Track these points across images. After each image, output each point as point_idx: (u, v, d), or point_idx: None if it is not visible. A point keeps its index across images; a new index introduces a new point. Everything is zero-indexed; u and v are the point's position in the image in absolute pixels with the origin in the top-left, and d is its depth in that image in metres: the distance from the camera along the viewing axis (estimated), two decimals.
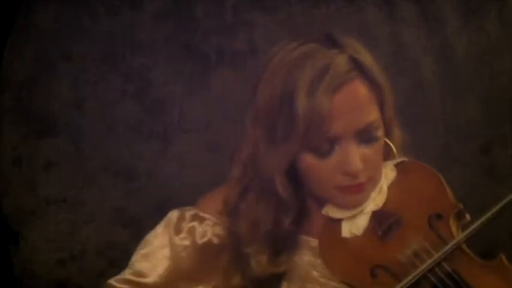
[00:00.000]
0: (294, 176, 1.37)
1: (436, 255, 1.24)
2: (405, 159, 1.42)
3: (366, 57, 1.37)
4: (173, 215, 1.50)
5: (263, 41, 2.71)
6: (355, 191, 1.34)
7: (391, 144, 1.41)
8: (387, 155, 1.42)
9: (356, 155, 1.31)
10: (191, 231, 1.46)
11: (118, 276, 1.50)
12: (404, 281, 1.23)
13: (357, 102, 1.32)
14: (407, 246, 1.28)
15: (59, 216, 2.73)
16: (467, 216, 1.35)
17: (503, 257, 1.26)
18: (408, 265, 1.26)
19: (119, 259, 2.69)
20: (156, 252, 1.47)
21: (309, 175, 1.35)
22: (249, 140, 1.39)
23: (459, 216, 1.34)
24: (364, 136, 1.33)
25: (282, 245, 1.39)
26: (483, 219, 1.28)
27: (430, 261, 1.24)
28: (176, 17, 2.72)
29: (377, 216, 1.35)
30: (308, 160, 1.33)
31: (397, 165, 1.41)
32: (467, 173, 2.71)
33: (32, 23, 2.69)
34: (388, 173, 1.40)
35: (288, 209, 1.37)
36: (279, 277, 1.39)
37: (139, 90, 2.74)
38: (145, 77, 2.74)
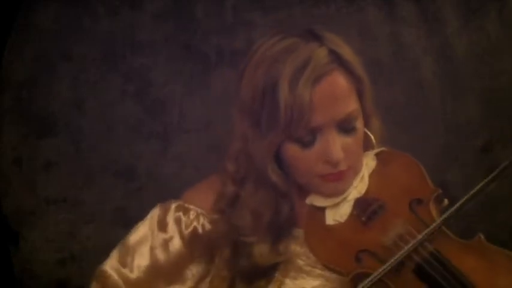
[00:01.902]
0: (281, 166, 1.42)
1: (419, 236, 1.29)
2: (385, 148, 1.47)
3: (346, 50, 1.41)
4: (155, 212, 1.53)
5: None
6: (336, 178, 1.38)
7: (371, 135, 1.45)
8: (367, 145, 1.46)
9: (337, 144, 1.36)
10: (177, 222, 1.50)
11: (108, 262, 1.52)
12: (390, 262, 1.27)
13: (336, 93, 1.36)
14: (391, 229, 1.33)
15: (59, 216, 2.73)
16: (446, 201, 1.41)
17: (481, 236, 1.32)
18: (392, 247, 1.30)
19: None
20: (139, 248, 1.50)
21: (293, 165, 1.39)
22: (237, 134, 1.44)
23: (438, 200, 1.39)
24: (345, 126, 1.37)
25: (282, 233, 1.42)
26: (461, 201, 1.36)
27: (413, 241, 1.28)
28: (176, 17, 2.72)
29: (360, 203, 1.39)
30: (291, 150, 1.38)
31: (377, 155, 1.46)
32: (467, 173, 2.71)
33: (32, 23, 2.69)
34: (369, 162, 1.45)
35: (285, 196, 1.42)
36: (274, 267, 1.42)
37: (139, 90, 2.74)
38: (145, 77, 2.74)
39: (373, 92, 1.48)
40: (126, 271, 1.48)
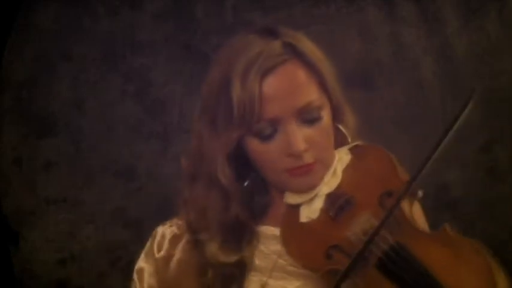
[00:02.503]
0: (245, 163, 1.40)
1: (373, 228, 1.27)
2: (359, 142, 1.44)
3: (304, 43, 1.38)
4: (157, 232, 1.52)
5: None
6: (303, 172, 1.35)
7: (344, 131, 1.43)
8: (342, 141, 1.44)
9: (298, 135, 1.33)
10: (172, 243, 1.48)
11: None
12: (352, 259, 1.26)
13: (292, 83, 1.33)
14: (357, 224, 1.31)
15: (59, 216, 2.73)
16: (420, 193, 1.36)
17: (447, 227, 1.29)
18: (357, 242, 1.29)
19: (119, 259, 2.69)
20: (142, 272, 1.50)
21: (257, 160, 1.37)
22: (194, 132, 1.44)
23: (410, 193, 1.34)
24: (306, 116, 1.34)
25: (233, 233, 1.40)
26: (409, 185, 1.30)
27: (370, 234, 1.27)
28: (176, 17, 2.72)
29: (330, 198, 1.37)
30: (253, 144, 1.35)
31: (352, 149, 1.43)
32: (467, 173, 2.71)
33: (32, 23, 2.69)
34: (343, 157, 1.42)
35: (233, 197, 1.40)
36: (241, 268, 1.41)
37: (139, 90, 2.74)
38: (145, 77, 2.74)
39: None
40: None
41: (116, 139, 2.74)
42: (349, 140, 1.44)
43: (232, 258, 1.39)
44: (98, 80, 2.73)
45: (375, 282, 1.26)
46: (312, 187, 1.38)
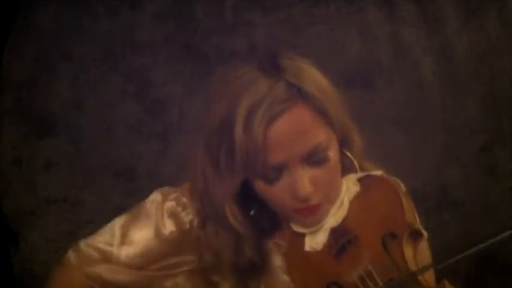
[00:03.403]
0: (253, 197, 1.38)
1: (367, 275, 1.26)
2: (369, 173, 1.42)
3: (308, 81, 1.34)
4: (158, 196, 1.53)
5: (263, 41, 2.71)
6: (310, 213, 1.35)
7: (352, 158, 1.41)
8: (350, 168, 1.42)
9: (304, 179, 1.31)
10: (175, 216, 1.48)
11: (90, 239, 1.55)
12: None
13: (298, 128, 1.30)
14: (356, 267, 1.30)
15: (59, 216, 2.73)
16: (425, 234, 1.34)
17: (446, 283, 1.27)
18: (353, 284, 1.28)
19: None
20: (140, 230, 1.49)
21: (264, 198, 1.36)
22: (198, 171, 1.41)
23: (414, 235, 1.32)
24: (313, 158, 1.32)
25: (246, 274, 1.41)
26: (444, 263, 1.26)
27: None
28: (176, 17, 2.72)
29: (334, 233, 1.36)
30: (260, 185, 1.34)
31: (361, 180, 1.41)
32: (467, 173, 2.71)
33: (32, 23, 2.69)
34: (351, 187, 1.40)
35: (245, 239, 1.39)
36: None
37: (139, 90, 2.74)
38: (145, 77, 2.74)
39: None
40: (112, 249, 1.47)
41: (116, 139, 2.74)
42: (356, 166, 1.41)
43: None
44: (98, 80, 2.73)
45: None
46: (318, 223, 1.37)
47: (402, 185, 1.36)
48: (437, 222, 2.69)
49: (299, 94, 1.31)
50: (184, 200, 1.48)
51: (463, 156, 2.73)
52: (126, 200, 2.74)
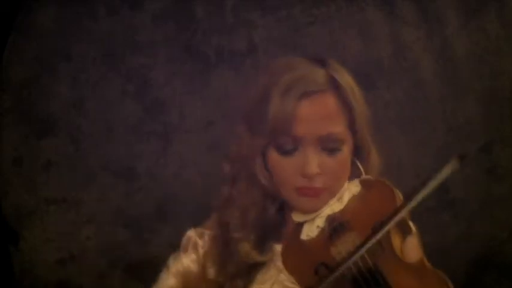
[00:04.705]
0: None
1: (356, 248, 1.34)
2: (370, 176, 1.51)
3: (346, 79, 1.48)
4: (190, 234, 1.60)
5: (263, 41, 2.71)
6: (310, 194, 1.45)
7: (360, 166, 1.50)
8: (356, 175, 1.51)
9: (314, 159, 1.43)
10: (194, 247, 1.57)
11: None
12: (331, 276, 1.33)
13: (323, 112, 1.43)
14: (343, 244, 1.39)
15: (59, 216, 2.73)
16: (414, 229, 1.43)
17: (424, 259, 1.37)
18: (341, 261, 1.35)
19: (119, 259, 2.69)
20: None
21: (274, 172, 1.47)
22: (236, 135, 1.52)
23: (402, 227, 1.42)
24: (327, 144, 1.44)
25: (267, 232, 1.50)
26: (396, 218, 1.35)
27: (354, 255, 1.34)
28: (176, 17, 2.73)
29: (329, 220, 1.45)
30: (273, 156, 1.45)
31: (362, 182, 1.50)
32: (467, 173, 2.71)
33: (32, 23, 2.69)
34: (352, 188, 1.49)
35: (271, 196, 1.49)
36: (255, 267, 1.49)
37: (139, 90, 2.74)
38: (145, 77, 2.74)
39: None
40: None
41: (116, 139, 2.74)
42: (363, 175, 1.51)
43: (263, 258, 1.48)
44: (98, 80, 2.73)
45: None
46: (316, 209, 1.46)
47: (400, 195, 1.44)
48: (437, 222, 2.69)
49: (335, 86, 1.45)
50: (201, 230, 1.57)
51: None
52: (126, 200, 2.75)
